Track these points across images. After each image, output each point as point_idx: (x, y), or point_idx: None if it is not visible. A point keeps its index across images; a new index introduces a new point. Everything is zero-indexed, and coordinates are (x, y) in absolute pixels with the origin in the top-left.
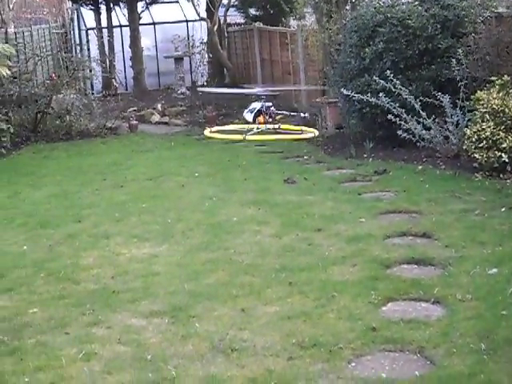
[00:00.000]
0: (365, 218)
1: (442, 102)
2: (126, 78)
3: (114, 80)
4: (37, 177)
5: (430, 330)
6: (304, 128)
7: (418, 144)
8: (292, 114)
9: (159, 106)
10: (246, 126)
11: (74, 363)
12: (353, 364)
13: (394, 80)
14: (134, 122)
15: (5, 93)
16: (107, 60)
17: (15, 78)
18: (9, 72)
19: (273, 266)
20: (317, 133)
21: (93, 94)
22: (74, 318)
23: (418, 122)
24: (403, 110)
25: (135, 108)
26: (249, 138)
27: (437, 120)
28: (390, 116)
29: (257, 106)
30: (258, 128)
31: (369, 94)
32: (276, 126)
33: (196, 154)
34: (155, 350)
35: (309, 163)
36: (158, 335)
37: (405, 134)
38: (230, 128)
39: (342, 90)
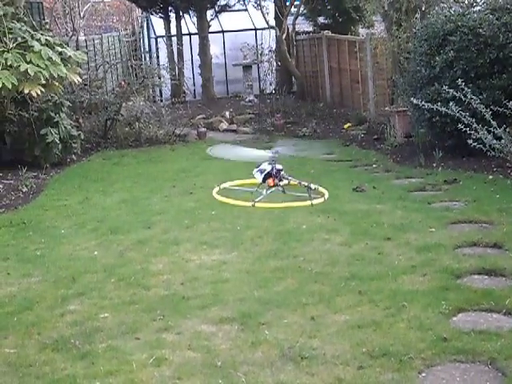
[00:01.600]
0: (435, 227)
1: None
2: (194, 85)
3: (183, 87)
4: (107, 183)
5: (501, 341)
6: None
7: (489, 153)
8: (301, 183)
9: (227, 113)
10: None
11: (145, 368)
12: (423, 374)
13: (465, 89)
14: (203, 129)
15: (76, 99)
16: (176, 67)
17: (86, 85)
18: (80, 79)
19: (342, 275)
20: (327, 196)
21: (162, 101)
22: (144, 324)
23: (489, 132)
24: (473, 119)
25: (203, 115)
26: (258, 205)
27: (508, 129)
28: (459, 125)
29: (267, 168)
30: (267, 191)
31: (439, 103)
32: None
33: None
34: (225, 357)
35: (377, 172)
36: (227, 342)
37: (475, 144)
38: (238, 184)
39: (412, 98)
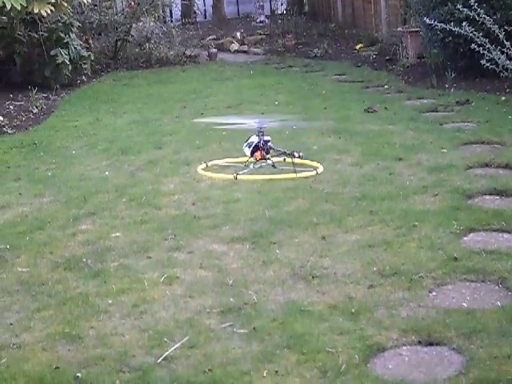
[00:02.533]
0: (446, 148)
1: None
2: (205, 5)
3: (193, 8)
4: (117, 104)
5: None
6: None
7: (502, 74)
8: (286, 152)
9: (238, 34)
10: (246, 160)
11: (156, 286)
12: (434, 293)
13: (478, 9)
14: (214, 50)
15: (85, 20)
16: None
17: (95, 5)
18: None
19: (353, 195)
20: (320, 170)
21: (172, 21)
22: (155, 243)
23: (502, 52)
24: (487, 40)
25: (214, 36)
26: (240, 177)
27: None
28: (473, 45)
29: (255, 140)
30: (254, 165)
31: (452, 23)
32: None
33: (275, 83)
34: (236, 276)
35: (389, 93)
36: (238, 261)
37: (488, 64)
38: (228, 161)
39: (425, 18)
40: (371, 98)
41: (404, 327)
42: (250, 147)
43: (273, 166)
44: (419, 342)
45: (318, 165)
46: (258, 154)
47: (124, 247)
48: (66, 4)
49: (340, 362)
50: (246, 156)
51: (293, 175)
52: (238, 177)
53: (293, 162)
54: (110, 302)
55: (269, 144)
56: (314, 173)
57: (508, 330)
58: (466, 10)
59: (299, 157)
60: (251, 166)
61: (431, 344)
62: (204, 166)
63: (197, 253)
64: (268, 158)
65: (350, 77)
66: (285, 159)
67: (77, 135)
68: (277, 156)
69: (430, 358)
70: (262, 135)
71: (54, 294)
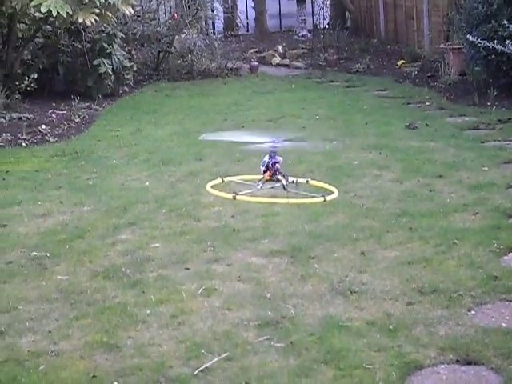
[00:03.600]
0: (488, 166)
1: None
2: (247, 18)
3: (236, 20)
4: (159, 115)
5: None
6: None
7: None
8: (288, 178)
9: (280, 48)
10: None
11: (195, 298)
12: (472, 312)
13: None
14: (255, 63)
15: (128, 31)
16: (229, 0)
17: (139, 16)
18: (132, 11)
19: (393, 211)
20: (331, 197)
21: (214, 34)
22: (194, 254)
23: None
24: None
25: (256, 49)
26: (240, 198)
27: None
28: None
29: (266, 159)
30: (263, 185)
31: (495, 41)
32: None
33: (316, 97)
34: (274, 289)
35: (430, 109)
36: (277, 274)
37: None
38: (243, 178)
39: (468, 36)
40: (412, 114)
41: (442, 345)
42: (263, 165)
43: (284, 187)
44: (457, 361)
45: (334, 190)
46: (267, 175)
47: (163, 258)
48: (110, 14)
49: (377, 379)
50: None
51: (298, 200)
52: (237, 197)
53: (284, 187)
54: (148, 312)
55: (277, 165)
56: (321, 199)
57: None
58: (510, 27)
59: (292, 182)
60: (258, 186)
61: (469, 363)
62: (220, 181)
63: (235, 265)
64: (279, 180)
65: (391, 93)
66: (307, 181)
67: (118, 145)
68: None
69: (468, 377)
70: (274, 155)
71: (93, 302)
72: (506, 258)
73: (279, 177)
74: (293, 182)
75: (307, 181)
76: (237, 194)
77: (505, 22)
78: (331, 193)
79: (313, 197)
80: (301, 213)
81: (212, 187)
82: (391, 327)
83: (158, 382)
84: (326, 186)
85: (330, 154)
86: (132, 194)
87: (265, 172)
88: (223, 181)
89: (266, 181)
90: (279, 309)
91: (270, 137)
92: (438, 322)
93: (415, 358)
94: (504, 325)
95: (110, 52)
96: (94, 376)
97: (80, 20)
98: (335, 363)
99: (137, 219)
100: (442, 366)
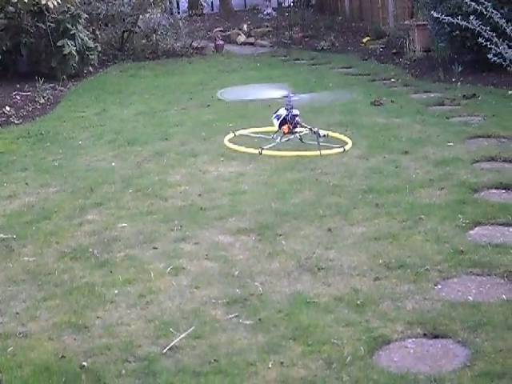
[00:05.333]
0: (453, 141)
1: None
2: None
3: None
4: (124, 95)
5: None
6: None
7: (508, 69)
8: (312, 129)
9: (245, 26)
10: (273, 131)
11: (162, 277)
12: (439, 286)
13: (486, 3)
14: (220, 42)
15: (92, 11)
16: None
17: None
18: None
19: (360, 188)
20: (348, 146)
21: (179, 13)
22: (162, 234)
23: (509, 47)
24: (494, 34)
25: (221, 28)
26: (265, 152)
27: None
28: (480, 39)
29: (283, 113)
30: (282, 138)
31: (459, 17)
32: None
33: (282, 75)
34: (242, 267)
35: (396, 86)
36: (244, 252)
37: (495, 58)
38: (253, 131)
39: (432, 12)
40: (378, 91)
41: (409, 320)
42: (278, 119)
43: (300, 139)
44: (424, 335)
45: (349, 140)
46: (285, 128)
47: (130, 238)
48: None
49: (345, 354)
50: (271, 126)
51: (316, 152)
52: (263, 151)
53: (317, 139)
54: (116, 292)
55: (296, 119)
56: (341, 150)
57: None
58: (473, 3)
59: (324, 136)
60: (278, 139)
61: (436, 337)
62: (232, 135)
63: (203, 244)
64: (296, 132)
65: (356, 70)
66: (325, 135)
67: (83, 126)
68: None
69: (435, 350)
70: (291, 109)
71: (60, 283)
72: (471, 232)
73: (298, 129)
74: (324, 135)
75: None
76: (262, 149)
77: (466, 0)
78: (346, 143)
79: (333, 148)
80: (268, 190)
81: (229, 141)
82: (359, 302)
83: (127, 361)
84: (342, 137)
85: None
86: (98, 175)
87: (281, 125)
88: (235, 135)
89: (284, 134)
90: (247, 286)
91: (285, 91)
92: (405, 297)
93: (383, 333)
94: (470, 298)
95: (74, 33)
96: (62, 356)
97: (43, 1)
98: (303, 339)
99: (103, 199)
100: (410, 340)
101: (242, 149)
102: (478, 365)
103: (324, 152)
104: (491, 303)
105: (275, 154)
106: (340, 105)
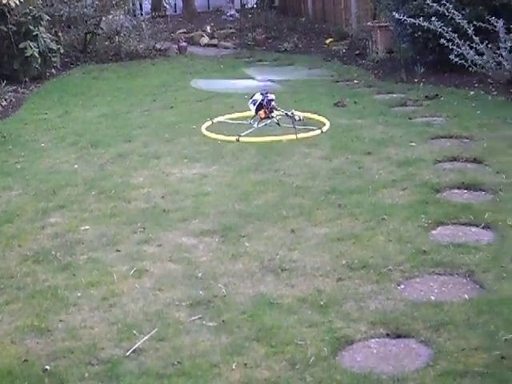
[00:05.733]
0: (415, 142)
1: (495, 26)
2: None
3: (163, 1)
4: (87, 97)
5: (479, 254)
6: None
7: (470, 69)
8: (287, 113)
9: (208, 28)
10: (250, 117)
11: (126, 280)
12: (402, 286)
13: (447, 4)
14: (184, 43)
15: (54, 13)
16: None
17: None
18: None
19: (322, 188)
20: (326, 128)
21: (142, 15)
22: (125, 236)
23: (471, 47)
24: (456, 35)
25: (184, 30)
26: (243, 139)
27: (490, 45)
28: (442, 40)
29: (259, 98)
30: (258, 124)
31: (421, 18)
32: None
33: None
34: (206, 268)
35: (359, 87)
36: (208, 254)
37: (457, 59)
38: (229, 117)
39: (394, 13)
40: (341, 92)
41: (372, 320)
42: (254, 104)
43: (277, 123)
44: (387, 335)
45: (326, 121)
46: (262, 113)
47: (93, 240)
48: None
49: (309, 355)
50: (248, 112)
51: (303, 134)
52: (241, 138)
53: (293, 123)
54: (79, 294)
55: (272, 103)
56: (319, 132)
57: (475, 322)
58: (435, 5)
59: (299, 119)
60: (255, 124)
61: (399, 336)
62: (210, 123)
63: (166, 246)
64: (273, 116)
65: (320, 71)
66: (300, 118)
67: (46, 128)
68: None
69: (398, 350)
70: (266, 93)
71: (23, 286)
72: (434, 232)
73: (275, 113)
74: (300, 119)
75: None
76: (240, 136)
77: (428, 1)
78: (324, 124)
79: (312, 130)
80: (231, 192)
81: (207, 130)
82: (322, 303)
83: (90, 364)
84: (320, 118)
85: (259, 132)
86: (61, 177)
87: (257, 110)
88: (213, 122)
89: (261, 119)
90: (210, 288)
91: (259, 77)
92: (368, 297)
93: (346, 333)
94: (433, 298)
95: (36, 34)
96: (25, 360)
97: (4, 1)
98: (267, 340)
99: (66, 202)
100: (373, 340)
101: (220, 137)
102: (441, 364)
103: (301, 135)
104: (453, 303)
105: (252, 140)
106: (303, 105)
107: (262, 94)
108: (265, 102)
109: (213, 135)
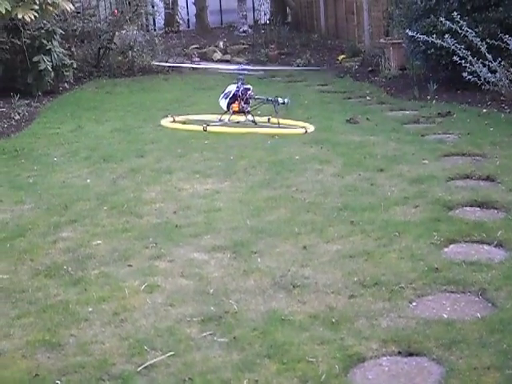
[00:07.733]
0: (428, 159)
1: (508, 44)
2: (188, 14)
3: (176, 17)
4: (100, 112)
5: (492, 272)
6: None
7: (483, 87)
8: (269, 99)
9: (221, 43)
10: (220, 116)
11: (137, 295)
12: (414, 304)
13: (461, 21)
14: (196, 59)
15: (68, 28)
16: None
17: (78, 12)
18: (72, 7)
19: (335, 205)
20: (311, 129)
21: (155, 30)
22: (136, 251)
23: (484, 65)
24: (469, 52)
25: (197, 45)
26: (210, 129)
27: (503, 63)
28: (455, 58)
29: (232, 89)
30: (229, 119)
31: (434, 36)
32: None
33: (258, 92)
34: (217, 284)
35: (371, 104)
36: (220, 270)
37: (470, 77)
38: (200, 117)
39: (407, 30)
40: (353, 108)
41: (384, 337)
42: (226, 98)
43: (253, 122)
44: (399, 353)
45: (308, 125)
46: (234, 106)
47: (105, 255)
48: (51, 8)
49: (320, 372)
50: (222, 112)
51: (275, 130)
52: (208, 128)
53: (275, 108)
54: (91, 309)
55: (249, 93)
56: (301, 131)
57: (487, 341)
58: (448, 22)
59: (283, 103)
60: (226, 119)
61: (411, 354)
62: (171, 119)
63: (178, 261)
64: (248, 112)
65: (332, 87)
66: (269, 119)
67: (58, 142)
68: (259, 105)
69: (410, 368)
70: (242, 83)
71: (35, 301)
72: (446, 249)
73: (254, 104)
74: (284, 102)
75: (269, 118)
76: (208, 125)
77: (441, 19)
78: (306, 127)
79: (294, 128)
80: (243, 208)
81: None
82: (334, 320)
83: (101, 380)
84: (296, 122)
85: (272, 149)
86: (73, 192)
87: (230, 104)
88: (174, 120)
89: (234, 112)
90: (222, 304)
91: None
92: (380, 315)
93: (358, 351)
94: (445, 316)
95: (50, 49)
96: (36, 375)
97: (19, 16)
98: (278, 357)
99: (78, 217)
100: (385, 358)
101: (185, 127)
102: (453, 383)
103: (284, 131)
104: (466, 321)
105: (220, 130)
106: (315, 122)
107: (236, 84)
108: (240, 93)
109: (176, 126)
